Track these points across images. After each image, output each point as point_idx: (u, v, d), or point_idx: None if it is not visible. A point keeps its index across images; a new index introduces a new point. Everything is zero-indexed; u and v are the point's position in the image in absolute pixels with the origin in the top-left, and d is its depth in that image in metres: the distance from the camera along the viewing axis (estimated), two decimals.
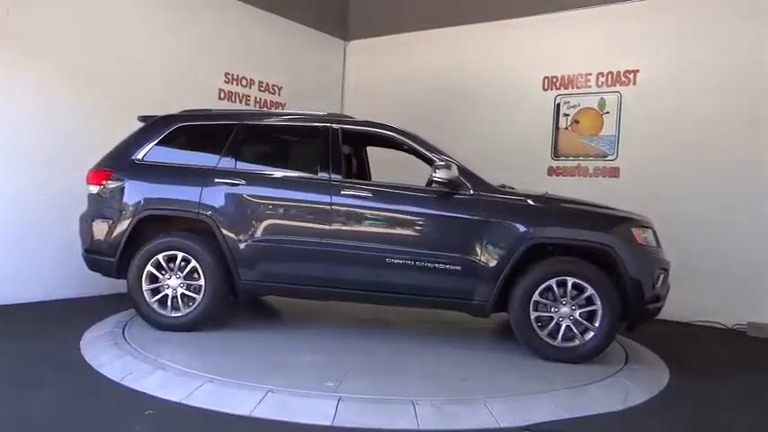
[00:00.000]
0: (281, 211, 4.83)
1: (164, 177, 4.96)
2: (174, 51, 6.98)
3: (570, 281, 4.40)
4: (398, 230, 4.69)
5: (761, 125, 6.34)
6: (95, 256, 4.96)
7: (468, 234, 4.55)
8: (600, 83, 7.33)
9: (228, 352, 4.40)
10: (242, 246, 4.74)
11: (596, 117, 7.35)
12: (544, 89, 7.68)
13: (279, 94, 8.33)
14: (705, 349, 5.70)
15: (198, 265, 4.75)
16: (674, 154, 6.77)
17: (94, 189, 4.99)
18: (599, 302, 4.37)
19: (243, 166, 4.92)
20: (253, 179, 4.85)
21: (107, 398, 3.62)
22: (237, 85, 7.79)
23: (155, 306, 4.79)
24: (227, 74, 7.65)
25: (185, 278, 4.79)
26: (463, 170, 4.65)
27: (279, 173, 4.99)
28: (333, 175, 4.79)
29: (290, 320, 5.74)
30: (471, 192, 4.61)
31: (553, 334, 4.43)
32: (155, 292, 4.81)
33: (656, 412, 3.81)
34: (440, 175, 4.52)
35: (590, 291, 4.38)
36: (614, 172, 7.17)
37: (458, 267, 4.53)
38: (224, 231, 4.75)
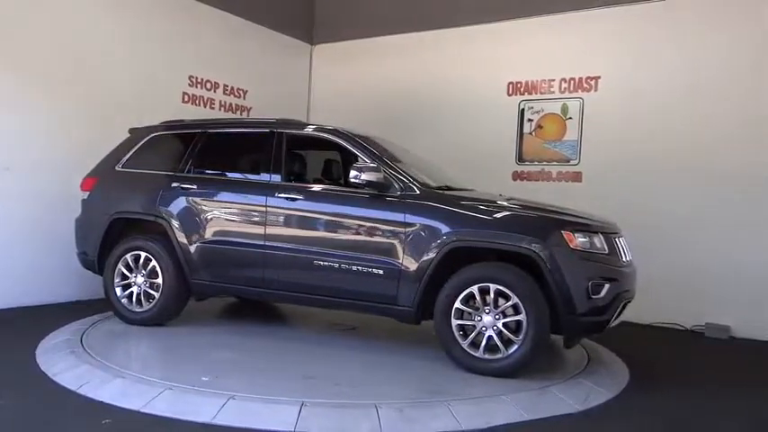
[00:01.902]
0: (225, 213, 5.03)
1: (133, 183, 5.37)
2: (137, 54, 6.85)
3: (493, 288, 4.14)
4: (324, 232, 4.68)
5: (721, 129, 6.48)
6: (85, 255, 5.45)
7: (390, 236, 4.44)
8: (563, 89, 7.44)
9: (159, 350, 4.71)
10: (192, 247, 5.01)
11: (559, 122, 7.46)
12: (509, 94, 7.76)
13: (244, 98, 8.25)
14: (664, 350, 5.82)
15: (157, 265, 5.08)
16: (634, 159, 6.90)
17: (85, 195, 5.47)
18: (524, 312, 4.07)
19: (198, 171, 5.23)
20: (201, 183, 5.12)
21: (63, 407, 3.54)
22: (202, 88, 7.69)
23: (123, 301, 5.20)
24: (191, 77, 7.53)
25: (148, 277, 5.13)
26: (392, 172, 4.55)
27: (226, 177, 5.23)
28: (272, 178, 4.90)
29: (271, 321, 5.70)
30: (398, 193, 4.50)
31: (477, 344, 4.19)
32: (126, 288, 5.21)
33: (616, 413, 3.87)
34: (362, 177, 4.43)
35: (514, 299, 4.09)
36: (577, 176, 7.28)
37: (380, 271, 4.44)
38: (177, 233, 5.04)
